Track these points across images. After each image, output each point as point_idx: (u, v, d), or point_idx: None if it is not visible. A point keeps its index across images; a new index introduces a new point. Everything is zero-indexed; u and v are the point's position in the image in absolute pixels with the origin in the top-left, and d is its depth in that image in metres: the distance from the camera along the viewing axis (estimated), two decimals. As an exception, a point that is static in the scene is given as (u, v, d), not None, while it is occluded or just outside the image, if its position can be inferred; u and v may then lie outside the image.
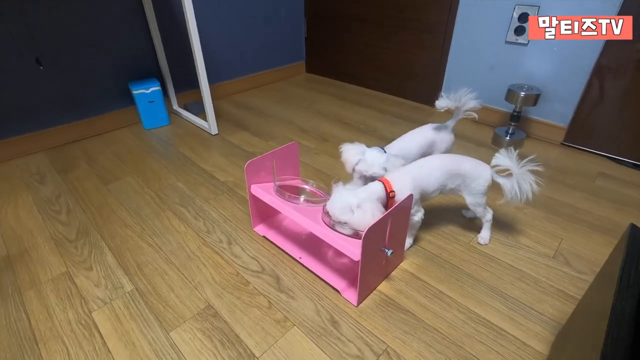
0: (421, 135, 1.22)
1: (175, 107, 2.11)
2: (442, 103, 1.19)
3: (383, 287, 0.99)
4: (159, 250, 1.12)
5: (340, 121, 2.00)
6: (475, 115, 1.18)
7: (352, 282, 0.98)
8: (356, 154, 1.08)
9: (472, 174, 1.02)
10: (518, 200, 0.98)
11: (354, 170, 1.10)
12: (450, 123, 1.24)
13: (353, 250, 0.85)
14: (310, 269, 1.03)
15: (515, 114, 1.65)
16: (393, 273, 1.03)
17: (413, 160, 1.08)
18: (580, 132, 1.64)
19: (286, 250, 1.10)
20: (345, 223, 0.89)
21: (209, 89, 1.74)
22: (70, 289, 1.00)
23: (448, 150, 1.24)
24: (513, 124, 1.67)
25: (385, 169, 1.04)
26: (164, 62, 1.96)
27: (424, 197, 1.05)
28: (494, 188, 1.03)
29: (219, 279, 1.02)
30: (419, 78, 2.16)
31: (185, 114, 2.05)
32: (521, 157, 0.96)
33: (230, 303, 0.95)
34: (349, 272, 1.01)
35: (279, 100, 2.31)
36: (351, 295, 0.95)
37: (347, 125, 1.96)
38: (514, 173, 0.96)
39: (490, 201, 1.09)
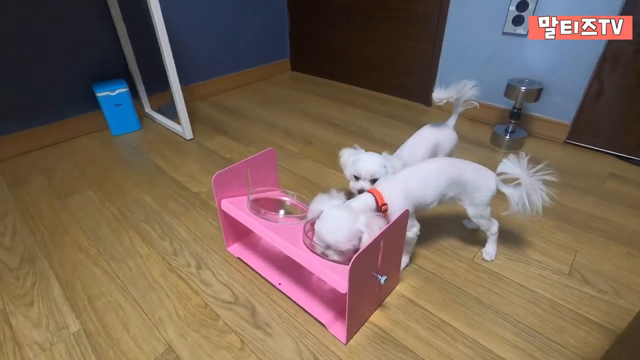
0: (424, 137, 1.11)
1: (148, 110, 1.94)
2: (440, 94, 1.08)
3: (377, 317, 0.84)
4: (116, 279, 0.96)
5: (327, 122, 1.85)
6: (476, 103, 1.09)
7: (340, 314, 0.83)
8: (352, 155, 1.01)
9: (474, 183, 0.88)
10: (526, 214, 0.85)
11: (354, 177, 0.99)
12: (452, 120, 1.13)
13: (339, 280, 0.71)
14: (292, 297, 0.88)
15: (516, 110, 1.52)
16: (388, 299, 0.89)
17: None
18: (585, 129, 1.52)
19: (264, 275, 0.95)
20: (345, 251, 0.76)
21: (180, 90, 1.57)
22: (3, 332, 0.83)
23: (452, 150, 1.14)
24: (513, 121, 1.55)
25: (385, 167, 0.95)
26: (132, 61, 1.79)
27: (419, 209, 0.90)
28: (498, 195, 0.90)
29: (184, 313, 0.87)
30: (411, 74, 2.02)
31: (159, 117, 1.88)
32: (528, 160, 0.82)
33: (195, 344, 0.79)
34: (337, 301, 0.86)
35: (261, 100, 2.15)
36: (339, 330, 0.80)
37: (334, 126, 1.81)
38: (524, 183, 0.83)
39: (493, 209, 0.95)
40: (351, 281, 0.67)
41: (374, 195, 0.82)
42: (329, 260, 0.76)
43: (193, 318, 0.85)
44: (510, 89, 1.48)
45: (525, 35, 1.52)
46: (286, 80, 2.49)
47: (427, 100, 1.99)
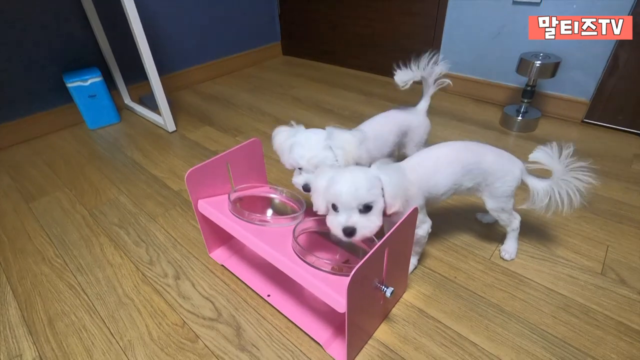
0: (393, 122, 0.94)
1: (128, 101, 1.80)
2: (403, 76, 0.93)
3: (382, 333, 0.72)
4: (82, 295, 0.84)
5: (321, 108, 1.71)
6: (448, 81, 0.94)
7: (339, 330, 0.71)
8: (288, 138, 0.76)
9: (496, 171, 0.75)
10: (550, 210, 0.73)
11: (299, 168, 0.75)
12: (423, 104, 0.99)
13: (336, 297, 0.58)
14: (283, 312, 0.76)
15: (529, 88, 1.38)
16: (394, 310, 0.77)
17: (388, 155, 0.80)
18: (606, 107, 1.38)
19: (251, 286, 0.83)
20: (370, 209, 0.61)
21: (158, 77, 1.42)
22: (-54, 363, 0.72)
23: (425, 140, 0.99)
24: (526, 100, 1.40)
25: (331, 148, 0.72)
26: (107, 48, 1.63)
27: (431, 202, 0.78)
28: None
29: (158, 333, 0.74)
30: (411, 53, 1.86)
31: (140, 109, 1.73)
32: (569, 153, 0.70)
33: (169, 373, 0.67)
34: (335, 315, 0.74)
35: (250, 87, 2.00)
36: (338, 350, 0.68)
37: (329, 112, 1.67)
38: (556, 177, 0.70)
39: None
40: (350, 298, 0.55)
41: None
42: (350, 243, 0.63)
43: (168, 339, 0.73)
44: (523, 64, 1.33)
45: (538, 4, 1.37)
46: (277, 65, 2.33)
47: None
